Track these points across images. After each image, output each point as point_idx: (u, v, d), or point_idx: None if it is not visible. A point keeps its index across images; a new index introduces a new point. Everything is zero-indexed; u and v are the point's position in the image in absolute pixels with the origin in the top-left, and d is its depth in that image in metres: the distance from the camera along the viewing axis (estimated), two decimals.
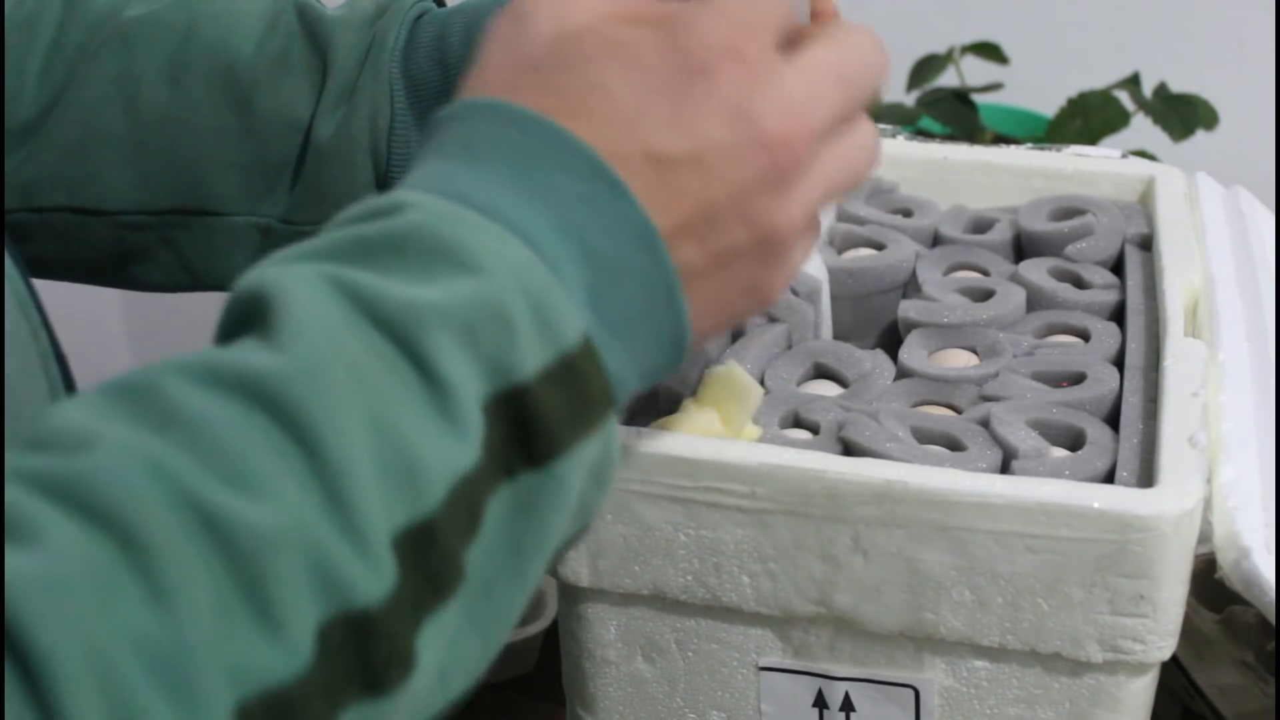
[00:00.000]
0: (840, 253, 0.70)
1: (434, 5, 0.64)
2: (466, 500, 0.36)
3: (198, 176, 0.62)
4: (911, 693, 0.55)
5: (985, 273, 0.69)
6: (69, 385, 0.57)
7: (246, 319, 0.37)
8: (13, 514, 0.31)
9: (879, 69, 0.45)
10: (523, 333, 0.38)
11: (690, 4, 0.43)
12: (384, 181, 0.61)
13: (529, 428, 0.38)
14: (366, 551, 0.34)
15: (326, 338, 0.35)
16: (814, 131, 0.43)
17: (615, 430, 0.41)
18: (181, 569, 0.31)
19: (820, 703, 0.56)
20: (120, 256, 0.65)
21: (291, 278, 0.36)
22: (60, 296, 0.72)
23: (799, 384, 0.61)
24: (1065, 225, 0.70)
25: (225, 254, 0.64)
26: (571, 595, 0.58)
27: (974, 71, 1.24)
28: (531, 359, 0.38)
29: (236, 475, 0.33)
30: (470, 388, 0.37)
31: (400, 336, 0.36)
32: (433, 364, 0.36)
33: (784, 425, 0.58)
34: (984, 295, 0.66)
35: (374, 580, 0.34)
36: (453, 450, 0.36)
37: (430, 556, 0.35)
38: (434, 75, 0.61)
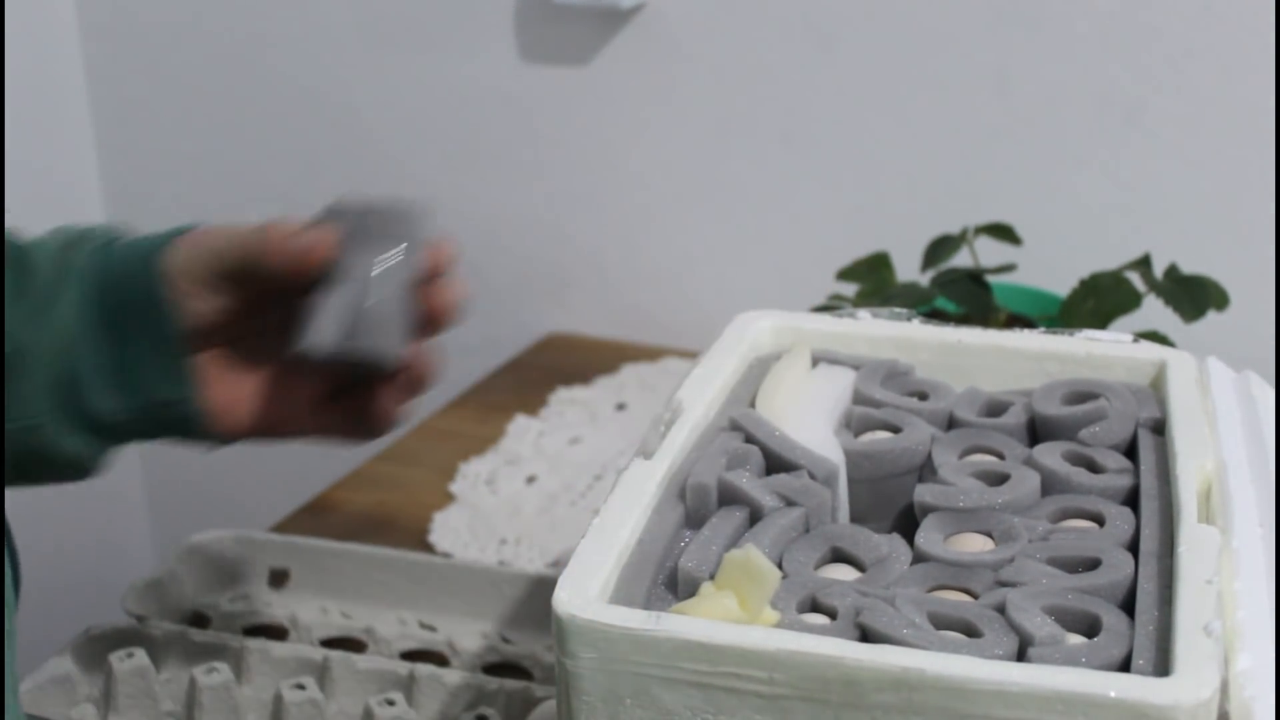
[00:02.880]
0: (857, 435, 0.71)
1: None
2: None
3: None
4: None
5: (1000, 456, 0.70)
6: None
7: None
8: None
9: None
10: None
11: None
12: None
13: None
14: None
15: None
16: None
17: None
18: None
19: None
20: None
21: None
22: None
23: (816, 568, 0.62)
24: (1079, 409, 0.71)
25: None
26: None
27: (987, 252, 1.26)
28: None
29: None
30: None
31: None
32: None
33: (801, 610, 0.58)
34: (999, 479, 0.67)
35: None
36: None
37: None
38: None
